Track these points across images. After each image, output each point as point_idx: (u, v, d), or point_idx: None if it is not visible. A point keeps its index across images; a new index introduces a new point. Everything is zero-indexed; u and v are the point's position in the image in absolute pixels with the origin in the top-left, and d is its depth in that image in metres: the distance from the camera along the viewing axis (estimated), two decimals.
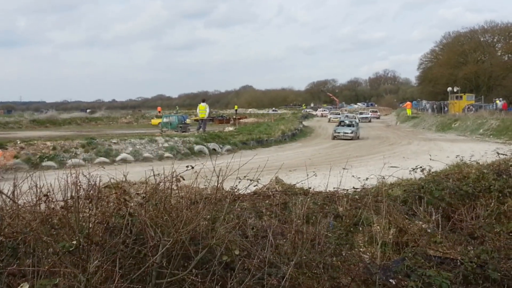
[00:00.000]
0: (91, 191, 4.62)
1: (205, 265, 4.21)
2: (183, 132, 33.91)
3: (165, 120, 43.05)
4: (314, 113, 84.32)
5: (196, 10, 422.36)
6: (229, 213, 5.03)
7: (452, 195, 6.99)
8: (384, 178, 7.90)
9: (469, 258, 5.26)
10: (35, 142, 21.57)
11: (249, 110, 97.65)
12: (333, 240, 5.51)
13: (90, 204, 4.35)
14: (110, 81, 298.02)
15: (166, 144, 24.35)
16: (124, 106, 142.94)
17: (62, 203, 4.27)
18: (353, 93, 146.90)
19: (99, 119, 74.32)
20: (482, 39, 79.97)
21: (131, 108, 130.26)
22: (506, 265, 5.20)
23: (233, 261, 4.41)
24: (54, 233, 3.95)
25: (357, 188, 7.87)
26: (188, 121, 43.57)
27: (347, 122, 39.76)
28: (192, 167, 5.21)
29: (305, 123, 53.49)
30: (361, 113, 69.83)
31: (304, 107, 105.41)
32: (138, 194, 5.43)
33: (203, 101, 33.75)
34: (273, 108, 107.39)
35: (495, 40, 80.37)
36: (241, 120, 56.25)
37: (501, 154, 9.35)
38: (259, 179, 6.33)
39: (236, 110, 69.08)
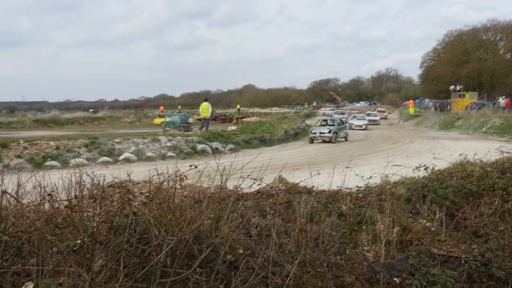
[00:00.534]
0: (95, 191, 4.62)
1: (209, 264, 4.20)
2: (186, 131, 33.94)
3: (168, 119, 43.10)
4: (316, 112, 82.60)
5: (198, 9, 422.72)
6: (233, 212, 5.02)
7: (456, 193, 6.98)
8: (387, 176, 7.88)
9: (473, 257, 5.25)
10: (38, 142, 21.62)
11: (255, 109, 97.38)
12: (337, 238, 5.50)
13: (94, 204, 4.36)
14: (113, 81, 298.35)
15: (169, 144, 24.37)
16: (127, 106, 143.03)
17: (66, 203, 4.26)
18: (355, 91, 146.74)
19: (102, 119, 74.42)
20: (484, 37, 79.83)
21: (134, 107, 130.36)
22: (511, 263, 5.19)
23: (237, 260, 4.41)
24: (59, 232, 3.94)
25: (360, 187, 7.86)
26: (190, 120, 43.50)
27: (328, 121, 35.51)
28: (196, 166, 5.20)
29: (308, 122, 53.43)
30: (368, 114, 58.34)
31: (306, 106, 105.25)
32: (142, 193, 5.43)
33: (206, 101, 33.80)
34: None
35: (497, 38, 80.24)
36: (243, 119, 56.21)
37: (505, 152, 9.34)
38: (262, 178, 6.34)
39: (238, 109, 68.97)
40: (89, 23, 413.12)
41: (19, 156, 19.43)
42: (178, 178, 4.83)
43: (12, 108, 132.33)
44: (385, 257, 5.25)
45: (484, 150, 14.34)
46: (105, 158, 20.89)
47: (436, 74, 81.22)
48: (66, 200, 4.33)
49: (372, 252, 5.64)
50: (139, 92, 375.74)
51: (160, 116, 60.42)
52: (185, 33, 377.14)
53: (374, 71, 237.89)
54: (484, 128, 35.93)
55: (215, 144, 25.54)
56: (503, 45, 79.38)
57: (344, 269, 5.06)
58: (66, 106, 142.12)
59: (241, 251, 4.48)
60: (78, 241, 3.53)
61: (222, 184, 5.09)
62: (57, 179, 4.85)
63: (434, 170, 8.19)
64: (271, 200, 6.77)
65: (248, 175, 6.21)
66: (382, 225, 6.02)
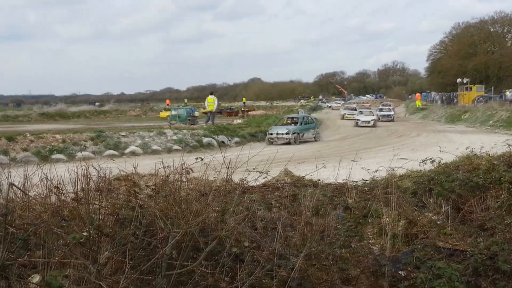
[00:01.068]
0: (101, 183, 4.64)
1: (214, 257, 4.22)
2: (191, 124, 33.95)
3: (173, 113, 43.10)
4: (325, 105, 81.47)
5: (204, 2, 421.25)
6: (238, 205, 5.04)
7: (462, 186, 6.94)
8: (393, 169, 7.87)
9: (479, 250, 5.23)
10: (45, 135, 21.70)
11: (261, 103, 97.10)
12: (342, 232, 5.51)
13: (100, 196, 4.37)
14: (119, 74, 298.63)
15: (174, 137, 24.41)
16: (133, 99, 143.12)
17: (72, 195, 4.28)
18: (361, 85, 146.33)
19: (108, 112, 74.57)
20: (492, 30, 79.44)
21: (140, 101, 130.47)
22: None
23: (242, 253, 4.42)
24: (65, 224, 3.96)
25: (366, 180, 7.85)
26: (196, 113, 43.53)
27: (293, 119, 30.14)
28: (202, 159, 5.22)
29: (313, 115, 53.37)
30: (381, 109, 51.99)
31: (312, 100, 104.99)
32: (147, 186, 5.44)
33: (212, 94, 33.78)
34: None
35: (505, 30, 79.85)
36: (249, 113, 56.17)
37: None
38: (268, 171, 6.34)
39: (244, 102, 68.92)
40: (95, 17, 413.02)
41: (25, 149, 19.51)
42: (184, 171, 4.84)
43: (18, 101, 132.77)
44: (391, 251, 5.24)
45: (490, 143, 14.27)
46: (111, 152, 20.95)
47: (443, 67, 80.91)
48: (73, 193, 4.35)
49: (377, 245, 5.64)
50: (145, 86, 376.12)
51: (166, 110, 60.42)
52: (191, 26, 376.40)
53: (381, 64, 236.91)
54: (491, 121, 35.75)
55: (221, 138, 25.57)
56: (511, 37, 78.94)
57: (349, 262, 5.06)
58: (72, 99, 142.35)
59: (246, 244, 4.49)
60: (84, 234, 3.55)
61: (228, 177, 5.09)
62: (63, 172, 4.87)
63: (440, 163, 8.17)
64: (276, 193, 6.78)
65: (254, 168, 6.21)
66: (387, 219, 6.01)
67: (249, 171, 6.04)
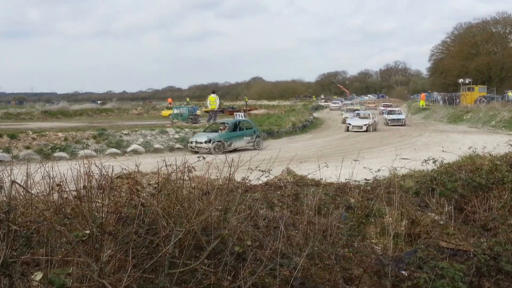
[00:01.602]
0: (104, 181, 4.63)
1: (217, 256, 4.21)
2: (193, 123, 33.91)
3: (175, 111, 43.08)
4: (323, 104, 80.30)
5: (207, 1, 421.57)
6: (241, 203, 5.03)
7: (465, 186, 6.94)
8: (396, 169, 7.85)
9: (482, 250, 5.22)
10: (47, 133, 21.70)
11: (263, 102, 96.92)
12: (345, 231, 5.50)
13: (103, 194, 4.37)
14: (121, 73, 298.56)
15: (176, 136, 24.41)
16: (135, 98, 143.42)
17: (75, 193, 4.28)
18: (363, 84, 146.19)
19: (110, 111, 74.53)
20: (494, 30, 79.22)
21: (142, 99, 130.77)
22: None
23: (245, 252, 4.41)
24: (67, 222, 3.96)
25: (369, 180, 7.84)
26: (198, 112, 43.52)
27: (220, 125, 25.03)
28: (204, 158, 5.20)
29: (315, 114, 53.29)
30: (390, 112, 43.30)
31: (314, 99, 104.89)
32: (150, 184, 5.44)
33: (213, 93, 33.76)
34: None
35: (507, 31, 79.59)
36: (251, 112, 56.11)
37: None
38: (270, 170, 6.33)
39: (246, 101, 68.91)
40: (98, 15, 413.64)
41: (28, 147, 19.52)
42: (186, 169, 4.83)
43: (21, 99, 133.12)
44: (393, 250, 5.24)
45: (493, 143, 14.24)
46: (113, 150, 20.94)
47: (444, 67, 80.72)
48: (75, 191, 4.35)
49: (380, 245, 5.63)
50: (147, 84, 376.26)
51: (168, 108, 60.32)
52: (194, 24, 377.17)
53: (383, 64, 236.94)
54: (493, 122, 35.69)
55: None
56: None
57: (352, 261, 5.06)
58: (74, 97, 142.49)
59: (249, 243, 4.48)
60: (87, 232, 3.54)
61: (230, 176, 5.08)
62: (65, 170, 4.86)
63: (443, 163, 8.15)
64: (279, 192, 6.78)
65: (256, 167, 6.20)
66: (390, 218, 6.01)
67: (251, 170, 6.03)
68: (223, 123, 25.55)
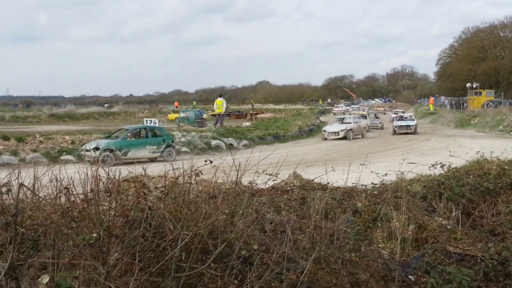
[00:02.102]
0: (111, 185, 4.64)
1: (223, 260, 4.21)
2: (200, 127, 34.00)
3: (182, 115, 43.24)
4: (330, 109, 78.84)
5: (214, 5, 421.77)
6: (247, 207, 5.02)
7: (473, 191, 6.90)
8: (403, 173, 7.83)
9: (490, 255, 5.20)
10: (54, 136, 21.84)
11: (270, 106, 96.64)
12: (352, 235, 5.48)
13: (110, 198, 4.38)
14: (128, 76, 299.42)
15: (183, 139, 24.48)
16: (142, 101, 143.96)
17: (82, 196, 4.29)
18: (370, 88, 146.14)
19: (117, 114, 74.85)
20: (502, 35, 78.98)
21: (149, 103, 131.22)
22: None
23: (251, 256, 4.40)
24: (74, 225, 3.97)
25: (376, 184, 7.81)
26: (205, 116, 43.64)
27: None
28: (211, 162, 5.21)
29: (322, 118, 53.26)
30: (401, 118, 38.56)
31: (321, 103, 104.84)
32: (157, 188, 5.45)
33: (220, 96, 33.83)
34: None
35: None
36: (258, 115, 56.17)
37: None
38: (277, 174, 6.32)
39: (252, 105, 69.00)
40: (106, 19, 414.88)
41: (35, 150, 19.63)
42: (193, 173, 4.84)
43: (28, 102, 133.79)
44: (400, 255, 5.21)
45: (500, 148, 14.21)
46: None
47: (452, 72, 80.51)
48: (82, 194, 4.36)
49: (387, 249, 5.60)
50: (154, 88, 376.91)
51: (174, 112, 60.53)
52: (201, 29, 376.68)
53: (390, 68, 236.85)
54: (501, 126, 35.55)
55: (229, 140, 25.58)
56: None
57: (358, 266, 5.04)
58: (81, 101, 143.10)
59: (255, 246, 4.48)
60: (94, 235, 3.55)
61: (238, 179, 5.08)
62: (73, 173, 4.88)
63: (451, 167, 8.11)
64: (285, 196, 6.76)
65: (263, 171, 6.20)
66: (397, 223, 5.98)
67: (258, 173, 6.03)
68: (127, 129, 22.75)
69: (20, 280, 3.38)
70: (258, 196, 6.13)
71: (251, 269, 4.16)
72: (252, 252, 4.42)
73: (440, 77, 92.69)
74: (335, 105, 79.19)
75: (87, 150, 19.52)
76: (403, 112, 49.13)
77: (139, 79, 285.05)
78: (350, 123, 32.67)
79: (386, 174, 7.87)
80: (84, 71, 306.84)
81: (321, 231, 5.15)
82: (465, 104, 56.61)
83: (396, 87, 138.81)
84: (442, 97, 72.59)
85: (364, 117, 40.45)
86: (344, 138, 30.49)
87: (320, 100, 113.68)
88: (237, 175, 5.01)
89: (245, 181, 5.76)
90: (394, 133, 35.15)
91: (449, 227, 6.12)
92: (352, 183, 7.41)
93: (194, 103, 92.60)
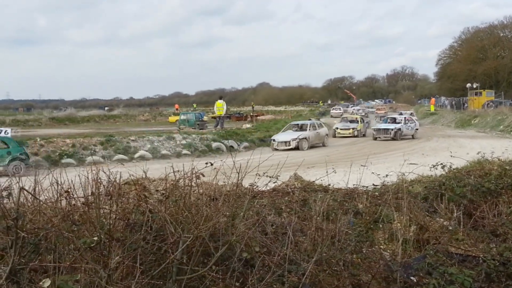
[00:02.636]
0: (111, 188, 4.64)
1: (225, 262, 4.20)
2: (200, 129, 34.00)
3: (182, 117, 43.22)
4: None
5: (213, 7, 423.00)
6: (248, 210, 5.02)
7: (474, 192, 6.90)
8: (404, 174, 7.82)
9: (492, 256, 5.19)
10: (55, 139, 21.82)
11: (270, 107, 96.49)
12: (353, 237, 5.47)
13: (111, 201, 4.37)
14: (128, 79, 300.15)
15: (184, 142, 24.45)
16: (142, 104, 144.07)
17: (83, 200, 4.28)
18: (370, 89, 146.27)
19: (117, 117, 74.92)
20: (501, 35, 78.94)
21: (149, 105, 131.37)
22: None
23: (253, 258, 4.40)
24: (75, 229, 3.96)
25: (377, 185, 7.81)
26: (205, 118, 43.63)
27: None
28: (211, 164, 5.20)
29: (322, 120, 53.24)
30: (395, 120, 34.08)
31: (321, 104, 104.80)
32: (157, 190, 5.44)
33: (220, 98, 33.77)
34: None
35: None
36: (258, 117, 56.16)
37: None
38: (278, 176, 6.32)
39: (253, 107, 69.03)
40: (105, 22, 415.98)
41: (35, 154, 19.62)
42: (194, 175, 4.83)
43: (28, 106, 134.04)
44: (402, 256, 5.21)
45: (501, 148, 14.19)
46: (121, 156, 21.01)
47: (452, 72, 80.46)
48: (83, 197, 4.35)
49: (388, 251, 5.60)
50: (154, 90, 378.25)
51: (175, 114, 60.50)
52: (200, 30, 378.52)
53: (390, 69, 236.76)
54: (501, 127, 35.50)
55: (230, 142, 25.55)
56: None
57: (360, 267, 5.04)
58: (82, 104, 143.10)
59: (257, 249, 4.47)
60: (95, 238, 3.54)
61: (238, 182, 5.07)
62: (73, 177, 4.87)
63: (452, 168, 8.11)
64: (287, 198, 6.76)
65: (264, 173, 6.19)
66: (398, 224, 5.98)
67: (259, 176, 6.02)
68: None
69: (22, 284, 3.38)
70: (259, 198, 6.13)
71: (252, 272, 4.16)
72: (254, 255, 4.42)
73: (440, 78, 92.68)
74: (332, 108, 72.86)
75: None
76: (411, 114, 45.05)
77: (139, 82, 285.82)
78: (306, 130, 27.68)
79: (387, 175, 7.87)
80: (84, 74, 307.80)
81: (322, 233, 5.15)
82: (465, 105, 56.56)
83: (396, 88, 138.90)
84: (443, 98, 72.53)
85: (357, 121, 36.39)
86: (297, 148, 25.49)
87: (320, 102, 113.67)
88: (238, 177, 5.01)
89: (246, 183, 5.75)
90: (375, 139, 31.29)
91: (450, 228, 6.12)
92: (353, 185, 7.41)
93: (195, 105, 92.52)
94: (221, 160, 5.34)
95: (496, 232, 6.09)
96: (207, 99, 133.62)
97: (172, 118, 55.91)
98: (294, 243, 4.84)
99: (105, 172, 4.88)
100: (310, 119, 35.12)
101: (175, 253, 3.87)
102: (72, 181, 4.73)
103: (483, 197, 6.86)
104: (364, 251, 5.42)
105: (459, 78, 75.07)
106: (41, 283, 3.32)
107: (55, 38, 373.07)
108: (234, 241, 4.25)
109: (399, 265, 4.99)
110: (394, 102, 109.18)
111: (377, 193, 7.23)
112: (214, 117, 36.42)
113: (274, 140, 26.64)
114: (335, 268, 4.79)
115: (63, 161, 19.17)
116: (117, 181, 4.75)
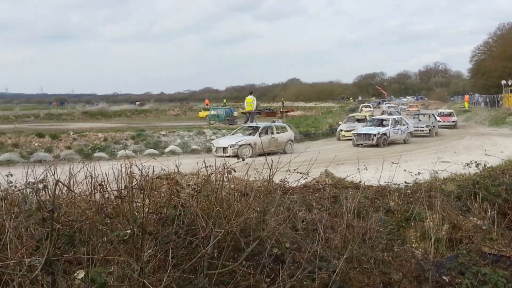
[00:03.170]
0: (144, 182, 4.68)
1: (255, 257, 4.21)
2: (230, 124, 34.08)
3: (212, 112, 43.39)
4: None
5: (244, 3, 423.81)
6: (279, 205, 5.01)
7: (509, 191, 6.77)
8: (437, 172, 7.72)
9: None
10: (87, 133, 22.17)
11: (300, 103, 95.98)
12: (384, 235, 5.43)
13: (143, 194, 4.42)
14: (159, 74, 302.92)
15: (214, 137, 24.55)
16: (172, 99, 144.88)
17: (116, 193, 4.34)
18: (402, 86, 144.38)
19: (148, 112, 75.50)
20: None
21: (179, 100, 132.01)
22: None
23: (283, 254, 4.40)
24: (109, 222, 4.01)
25: (409, 183, 7.72)
26: (235, 113, 43.72)
27: None
28: (243, 159, 5.21)
29: None
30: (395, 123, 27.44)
31: (351, 101, 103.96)
32: (189, 185, 5.48)
33: (251, 94, 33.78)
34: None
35: None
36: (288, 113, 56.02)
37: None
38: (308, 172, 6.30)
39: (283, 103, 68.97)
40: (137, 18, 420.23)
41: (68, 147, 19.97)
42: (225, 170, 4.85)
43: (62, 100, 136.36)
44: (434, 255, 5.15)
45: None
46: (151, 150, 21.23)
47: (486, 69, 78.91)
48: (116, 191, 4.41)
49: (420, 249, 5.54)
50: (185, 85, 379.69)
51: (205, 109, 60.79)
52: (231, 27, 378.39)
53: (422, 65, 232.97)
54: None
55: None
56: None
57: (391, 266, 5.00)
58: (113, 98, 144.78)
59: (287, 245, 4.47)
60: (128, 231, 3.59)
61: (270, 177, 5.07)
62: (106, 170, 4.94)
63: (486, 167, 7.97)
64: (317, 194, 6.74)
65: (295, 169, 6.18)
66: (431, 222, 5.91)
67: (289, 172, 6.01)
68: None
69: (56, 275, 3.43)
70: (290, 194, 6.11)
71: (282, 267, 4.16)
72: (284, 250, 4.42)
73: (474, 74, 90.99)
74: (362, 105, 64.39)
75: None
76: (450, 113, 41.01)
77: (170, 77, 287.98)
78: (257, 135, 22.48)
79: (419, 173, 7.77)
80: (116, 69, 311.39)
81: (353, 230, 5.12)
82: (500, 102, 55.46)
83: (429, 85, 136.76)
84: (476, 95, 71.31)
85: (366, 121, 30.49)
86: (236, 156, 18.72)
87: (351, 98, 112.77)
88: (270, 172, 5.01)
89: (276, 179, 5.75)
90: (358, 144, 25.76)
91: (484, 227, 6.02)
92: (385, 182, 7.34)
93: (225, 100, 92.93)
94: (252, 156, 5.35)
95: None
96: (237, 94, 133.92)
97: (202, 113, 56.15)
98: (324, 240, 4.82)
99: (137, 166, 4.94)
100: (273, 121, 30.10)
101: (207, 247, 3.89)
102: (106, 174, 4.80)
103: None
104: (396, 250, 5.37)
105: (493, 74, 73.54)
106: (75, 274, 3.37)
107: (88, 34, 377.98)
108: (264, 236, 4.26)
109: (431, 264, 4.94)
110: (426, 98, 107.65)
111: (409, 191, 7.15)
112: (244, 113, 36.47)
113: (213, 144, 22.51)
114: (366, 266, 4.76)
115: (95, 154, 19.47)
116: (150, 175, 4.79)
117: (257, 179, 5.67)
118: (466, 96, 67.65)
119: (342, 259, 4.37)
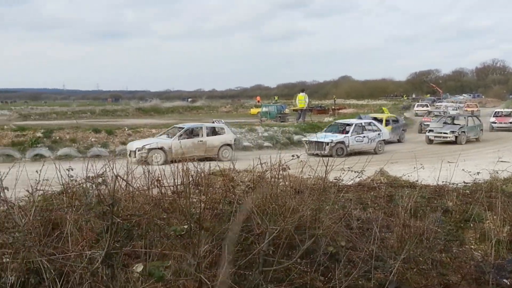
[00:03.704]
0: (199, 178, 4.73)
1: (310, 255, 4.19)
2: (282, 122, 34.04)
3: (264, 109, 43.45)
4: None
5: (295, 1, 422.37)
6: (334, 203, 4.96)
7: None
8: (497, 172, 7.47)
9: None
10: (141, 129, 22.57)
11: (352, 101, 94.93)
12: (442, 235, 5.31)
13: (199, 190, 4.46)
14: (210, 71, 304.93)
15: (265, 134, 24.55)
16: (224, 96, 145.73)
17: (172, 188, 4.39)
18: (458, 83, 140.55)
19: (200, 108, 76.27)
20: None
21: (230, 97, 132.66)
22: None
23: (338, 252, 4.36)
24: (165, 216, 4.07)
25: (467, 183, 7.51)
26: (286, 111, 43.60)
27: None
28: (298, 157, 5.19)
29: (406, 114, 51.75)
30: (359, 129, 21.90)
31: (405, 98, 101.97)
32: (243, 182, 5.50)
33: (302, 91, 33.66)
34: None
35: None
36: (340, 111, 55.46)
37: None
38: (363, 170, 6.22)
39: (334, 100, 68.20)
40: (189, 15, 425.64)
41: (123, 143, 20.35)
42: (280, 167, 4.84)
43: (116, 97, 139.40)
44: (495, 257, 4.99)
45: None
46: None
47: None
48: (173, 186, 4.47)
49: (480, 251, 5.39)
50: (236, 82, 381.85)
51: (256, 106, 60.86)
52: (282, 24, 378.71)
53: (478, 62, 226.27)
54: None
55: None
56: None
57: (449, 267, 4.88)
58: (166, 95, 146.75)
59: (342, 243, 4.43)
60: (185, 226, 3.63)
61: (325, 175, 5.03)
62: (162, 166, 5.01)
63: None
64: (372, 193, 6.64)
65: (349, 168, 6.11)
66: (491, 224, 5.73)
67: (344, 170, 5.95)
68: None
69: (115, 268, 3.51)
70: (344, 193, 6.05)
71: (337, 266, 4.11)
72: (339, 249, 4.38)
73: None
74: (416, 104, 62.47)
75: None
76: (510, 113, 37.00)
77: (221, 74, 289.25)
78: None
79: (478, 173, 7.54)
80: (168, 66, 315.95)
81: (409, 230, 5.02)
82: None
83: (486, 82, 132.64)
84: None
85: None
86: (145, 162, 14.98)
87: (404, 95, 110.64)
88: (326, 170, 4.97)
89: (330, 177, 5.69)
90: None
91: None
92: (442, 182, 7.16)
93: (276, 97, 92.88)
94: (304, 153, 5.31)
95: None
96: (288, 91, 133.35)
97: (254, 110, 56.26)
98: (380, 239, 4.75)
99: (193, 163, 4.99)
100: (214, 121, 25.82)
101: (262, 244, 3.89)
102: (163, 169, 4.88)
103: None
104: (454, 251, 5.24)
105: None
106: (134, 267, 3.44)
107: (142, 32, 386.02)
108: (319, 234, 4.23)
109: (492, 267, 4.80)
110: (483, 96, 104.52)
111: (467, 191, 6.96)
112: (296, 110, 36.34)
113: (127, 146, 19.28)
114: (423, 267, 4.66)
115: None
116: (205, 171, 4.84)
117: (311, 176, 5.63)
118: None
119: (399, 259, 4.29)
